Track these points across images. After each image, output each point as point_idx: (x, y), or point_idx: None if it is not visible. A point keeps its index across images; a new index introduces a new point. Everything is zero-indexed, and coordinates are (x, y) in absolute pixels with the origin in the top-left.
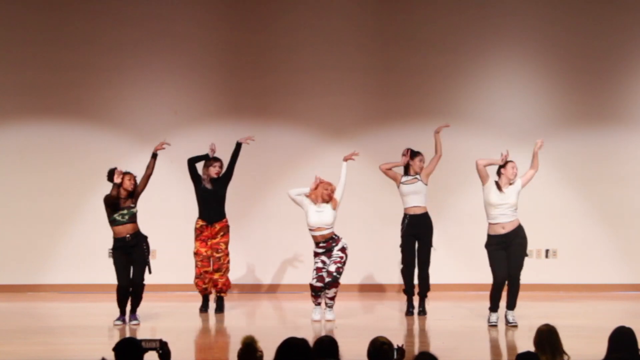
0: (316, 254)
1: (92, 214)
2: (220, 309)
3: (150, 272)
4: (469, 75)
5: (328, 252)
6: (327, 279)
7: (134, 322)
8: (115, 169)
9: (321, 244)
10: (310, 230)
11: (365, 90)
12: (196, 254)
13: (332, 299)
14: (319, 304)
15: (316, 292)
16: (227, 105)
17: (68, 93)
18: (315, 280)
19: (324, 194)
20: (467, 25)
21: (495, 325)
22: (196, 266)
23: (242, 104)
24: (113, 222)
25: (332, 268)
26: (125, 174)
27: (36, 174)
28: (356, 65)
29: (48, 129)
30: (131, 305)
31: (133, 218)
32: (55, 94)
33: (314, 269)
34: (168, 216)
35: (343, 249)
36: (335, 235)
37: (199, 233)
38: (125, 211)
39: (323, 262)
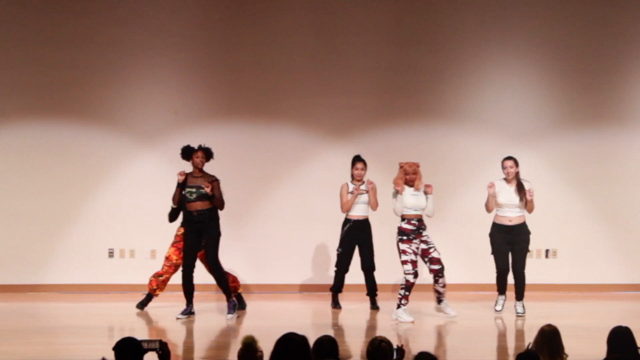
0: (403, 241)
1: (92, 214)
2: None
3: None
4: (469, 75)
5: (418, 233)
6: (436, 267)
7: (228, 315)
8: (188, 148)
9: (413, 221)
10: (406, 209)
11: (366, 90)
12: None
13: (444, 286)
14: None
15: (410, 290)
16: (227, 105)
17: (68, 93)
18: (411, 276)
19: (405, 179)
20: (467, 25)
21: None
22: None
23: (242, 104)
24: (184, 198)
25: (436, 255)
26: (197, 150)
27: (36, 173)
28: (356, 65)
29: (48, 129)
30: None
31: (202, 197)
32: (55, 94)
33: (408, 262)
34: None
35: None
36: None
37: None
38: (194, 189)
39: (414, 253)
